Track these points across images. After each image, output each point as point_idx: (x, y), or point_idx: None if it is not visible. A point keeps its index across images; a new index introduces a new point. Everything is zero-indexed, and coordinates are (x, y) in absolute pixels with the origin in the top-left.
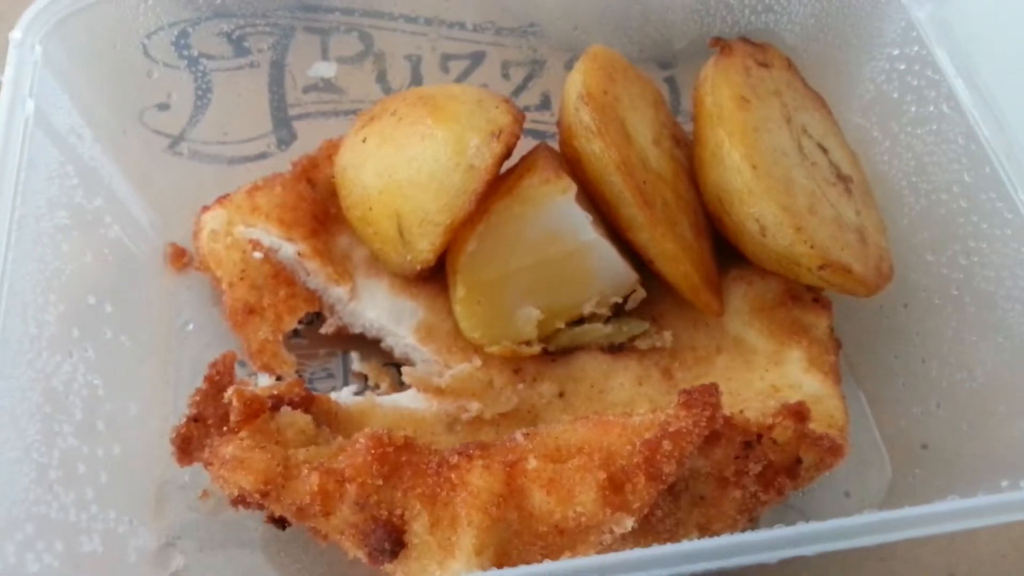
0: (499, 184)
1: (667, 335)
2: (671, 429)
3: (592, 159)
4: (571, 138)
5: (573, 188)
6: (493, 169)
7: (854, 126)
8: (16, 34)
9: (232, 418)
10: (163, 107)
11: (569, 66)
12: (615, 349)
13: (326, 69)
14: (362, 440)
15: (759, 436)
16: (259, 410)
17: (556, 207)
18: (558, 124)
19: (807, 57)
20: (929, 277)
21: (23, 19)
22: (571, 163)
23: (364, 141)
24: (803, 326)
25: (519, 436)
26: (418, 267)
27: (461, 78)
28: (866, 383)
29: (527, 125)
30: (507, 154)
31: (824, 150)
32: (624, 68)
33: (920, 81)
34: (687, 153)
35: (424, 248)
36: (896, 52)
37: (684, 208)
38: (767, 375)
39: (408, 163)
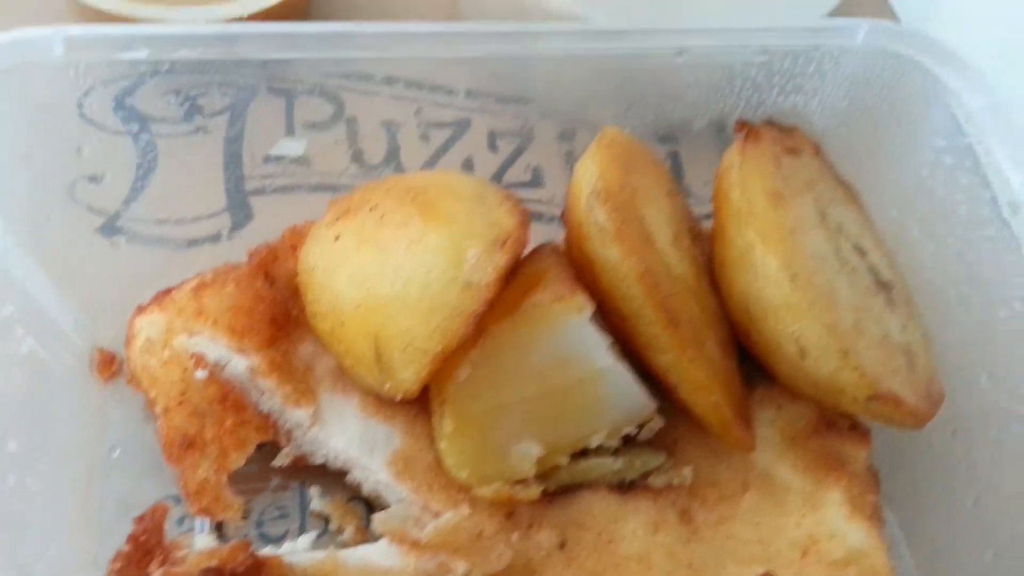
0: (498, 298)
1: (686, 471)
2: None
3: (607, 267)
4: (581, 240)
5: (590, 307)
6: (495, 286)
7: (889, 221)
8: None
9: None
10: (95, 179)
11: (563, 137)
12: (624, 487)
13: (294, 147)
14: None
15: None
16: None
17: (569, 329)
18: (563, 218)
19: (836, 143)
20: (985, 404)
21: None
22: (579, 267)
23: (337, 239)
24: (841, 459)
25: None
26: (398, 397)
27: (444, 149)
28: (902, 517)
29: None
30: (512, 267)
31: (861, 252)
32: (639, 154)
33: (972, 179)
34: (703, 249)
35: (407, 378)
36: (942, 143)
37: (709, 321)
38: (803, 521)
39: (393, 274)
